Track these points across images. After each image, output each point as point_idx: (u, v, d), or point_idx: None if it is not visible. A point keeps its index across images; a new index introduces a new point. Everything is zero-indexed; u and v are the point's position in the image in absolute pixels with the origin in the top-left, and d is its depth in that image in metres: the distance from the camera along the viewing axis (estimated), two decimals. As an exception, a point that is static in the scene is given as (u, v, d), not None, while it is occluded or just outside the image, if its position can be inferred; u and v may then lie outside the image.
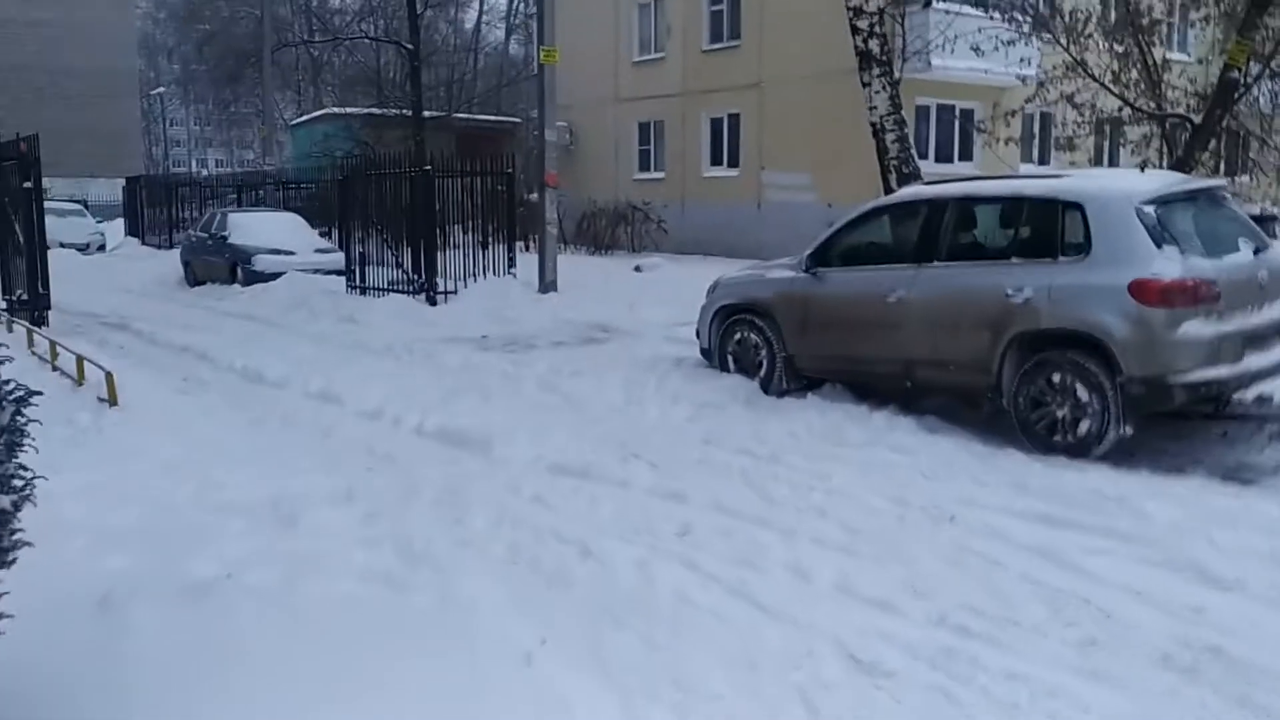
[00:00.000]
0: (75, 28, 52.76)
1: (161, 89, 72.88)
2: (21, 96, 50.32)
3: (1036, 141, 21.24)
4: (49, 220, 28.11)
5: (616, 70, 26.47)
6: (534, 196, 25.59)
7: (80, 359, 7.35)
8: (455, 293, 14.33)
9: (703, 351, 8.73)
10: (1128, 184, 6.57)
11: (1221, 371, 6.04)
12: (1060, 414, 6.33)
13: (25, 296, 10.98)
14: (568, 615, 3.86)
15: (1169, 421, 6.71)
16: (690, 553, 4.62)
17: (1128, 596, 4.13)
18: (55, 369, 8.17)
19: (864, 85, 11.81)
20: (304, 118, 39.13)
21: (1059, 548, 4.66)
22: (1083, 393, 6.21)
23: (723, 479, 5.81)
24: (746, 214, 22.57)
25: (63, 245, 27.08)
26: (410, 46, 30.50)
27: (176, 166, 76.80)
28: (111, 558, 4.06)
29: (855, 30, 11.74)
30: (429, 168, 14.27)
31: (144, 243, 29.46)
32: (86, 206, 43.47)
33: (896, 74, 12.31)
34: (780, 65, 21.93)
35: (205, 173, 52.91)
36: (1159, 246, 6.08)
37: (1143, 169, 7.42)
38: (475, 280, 14.76)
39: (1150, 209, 6.23)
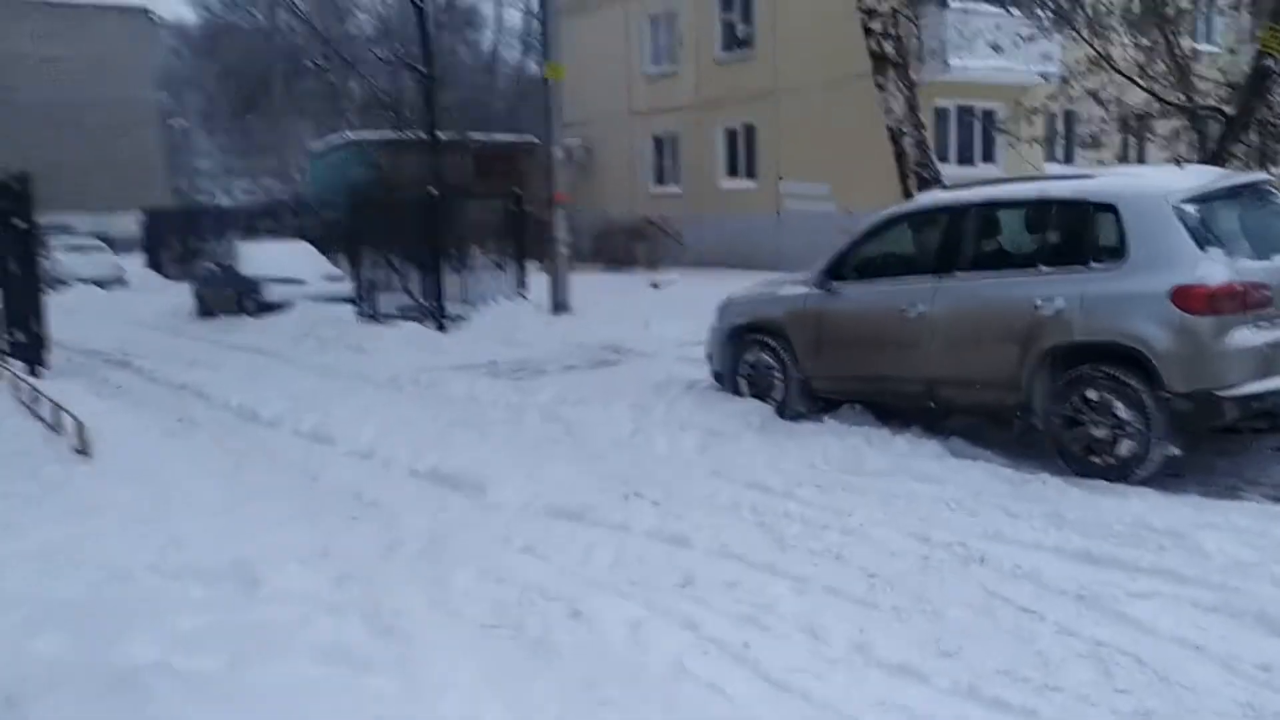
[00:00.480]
0: (93, 62, 53.27)
1: (181, 120, 73.45)
2: (42, 132, 50.82)
3: (1061, 141, 20.65)
4: (70, 257, 28.73)
5: (629, 83, 26.13)
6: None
7: (56, 406, 7.00)
8: (466, 317, 13.96)
9: (714, 375, 8.28)
10: (1165, 181, 6.06)
11: (1277, 383, 5.52)
12: (1098, 434, 5.83)
13: (23, 338, 10.69)
14: (546, 695, 3.41)
15: (1216, 436, 6.18)
16: (691, 609, 4.17)
17: (1185, 652, 3.63)
18: (37, 417, 7.83)
19: (879, 89, 11.37)
20: (323, 145, 39.13)
21: (1102, 591, 4.17)
22: (1122, 410, 5.71)
23: (731, 518, 5.35)
24: (765, 225, 22.11)
25: (83, 281, 27.14)
26: (423, 70, 30.33)
27: (204, 197, 77.38)
28: (43, 638, 3.66)
29: (868, 32, 11.30)
30: (434, 191, 13.91)
31: (163, 274, 29.43)
32: (110, 241, 43.78)
33: (913, 76, 11.84)
34: (795, 73, 21.50)
35: (229, 202, 53.06)
36: (1202, 248, 5.58)
37: (1179, 164, 6.90)
38: (487, 304, 14.39)
39: (1191, 208, 5.73)
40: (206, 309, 18.20)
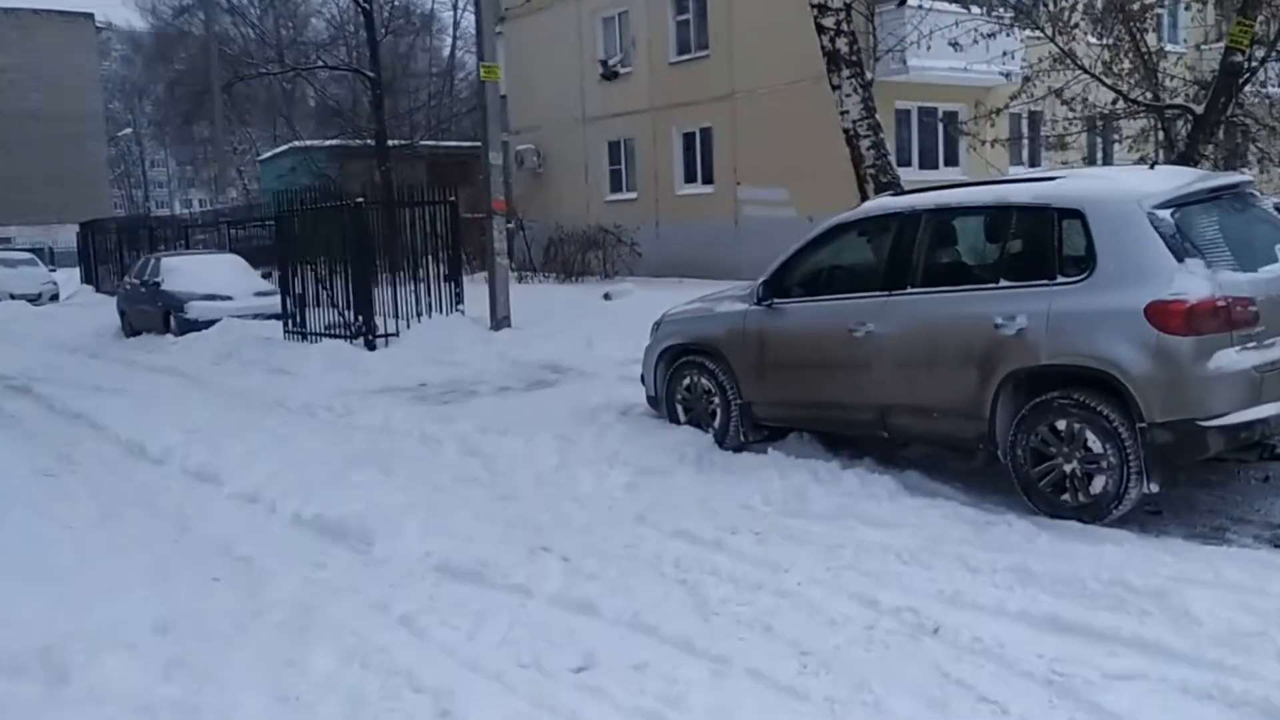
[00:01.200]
0: (37, 72, 51.90)
1: (129, 130, 71.94)
2: (-18, 142, 49.39)
3: (1026, 142, 20.18)
4: (-1, 271, 27.51)
5: (583, 88, 25.40)
6: (510, 224, 24.62)
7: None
8: (397, 334, 13.14)
9: (649, 400, 7.57)
10: (1136, 184, 5.41)
11: (1267, 410, 4.87)
12: (1068, 469, 5.16)
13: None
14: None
15: (1198, 466, 5.54)
16: (584, 703, 3.44)
17: (1180, 762, 2.95)
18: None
19: (834, 88, 10.75)
20: (270, 153, 38.16)
21: (1075, 672, 3.49)
22: (1095, 442, 5.05)
23: (650, 576, 4.62)
24: (723, 232, 21.44)
25: (13, 296, 25.96)
26: (371, 74, 29.50)
27: (159, 208, 75.74)
28: None
29: (821, 29, 10.69)
30: (361, 199, 13.10)
31: (98, 290, 28.31)
32: (52, 254, 42.44)
33: (869, 75, 11.24)
34: (752, 75, 20.88)
35: (183, 213, 51.71)
36: (1180, 259, 4.93)
37: (1152, 166, 6.28)
38: (420, 319, 13.58)
39: (1166, 213, 5.08)
40: (131, 328, 17.29)
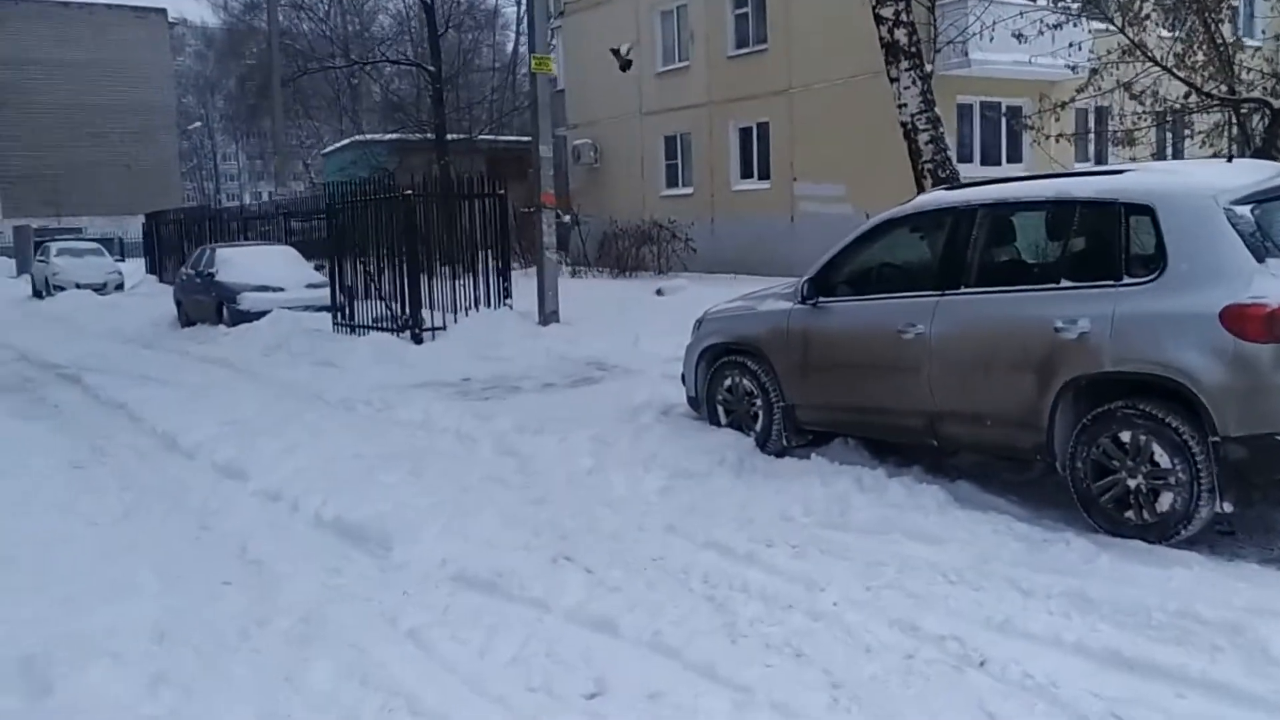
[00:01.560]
0: (110, 67, 52.95)
1: (198, 124, 73.30)
2: (59, 135, 50.63)
3: (1092, 138, 19.48)
4: (66, 260, 28.07)
5: (640, 82, 25.14)
6: (566, 218, 24.50)
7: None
8: (444, 328, 13.01)
9: (690, 400, 7.28)
10: (1212, 178, 5.00)
11: (1354, 427, 4.45)
12: (1133, 484, 4.78)
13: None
14: None
15: (1276, 486, 5.11)
16: (594, 735, 3.19)
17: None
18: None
19: (891, 81, 10.41)
20: (333, 146, 38.53)
21: (1136, 714, 3.17)
22: (1162, 457, 4.66)
23: (677, 592, 4.35)
24: (779, 228, 21.06)
25: (79, 286, 26.45)
26: (431, 69, 29.58)
27: (229, 200, 77.12)
28: None
29: (879, 20, 10.35)
30: (410, 192, 12.97)
31: (161, 280, 28.71)
32: (122, 245, 43.28)
33: (929, 67, 10.83)
34: (810, 68, 20.48)
35: (248, 205, 52.60)
36: (1260, 260, 4.53)
37: (1229, 159, 5.84)
38: (468, 313, 13.43)
39: (1245, 210, 4.68)
40: (187, 318, 17.42)
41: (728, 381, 6.86)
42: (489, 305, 13.59)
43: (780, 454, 6.47)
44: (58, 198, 50.21)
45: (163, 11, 58.07)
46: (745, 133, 22.88)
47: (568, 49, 28.44)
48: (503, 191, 13.58)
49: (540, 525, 5.27)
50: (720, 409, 6.94)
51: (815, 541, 4.89)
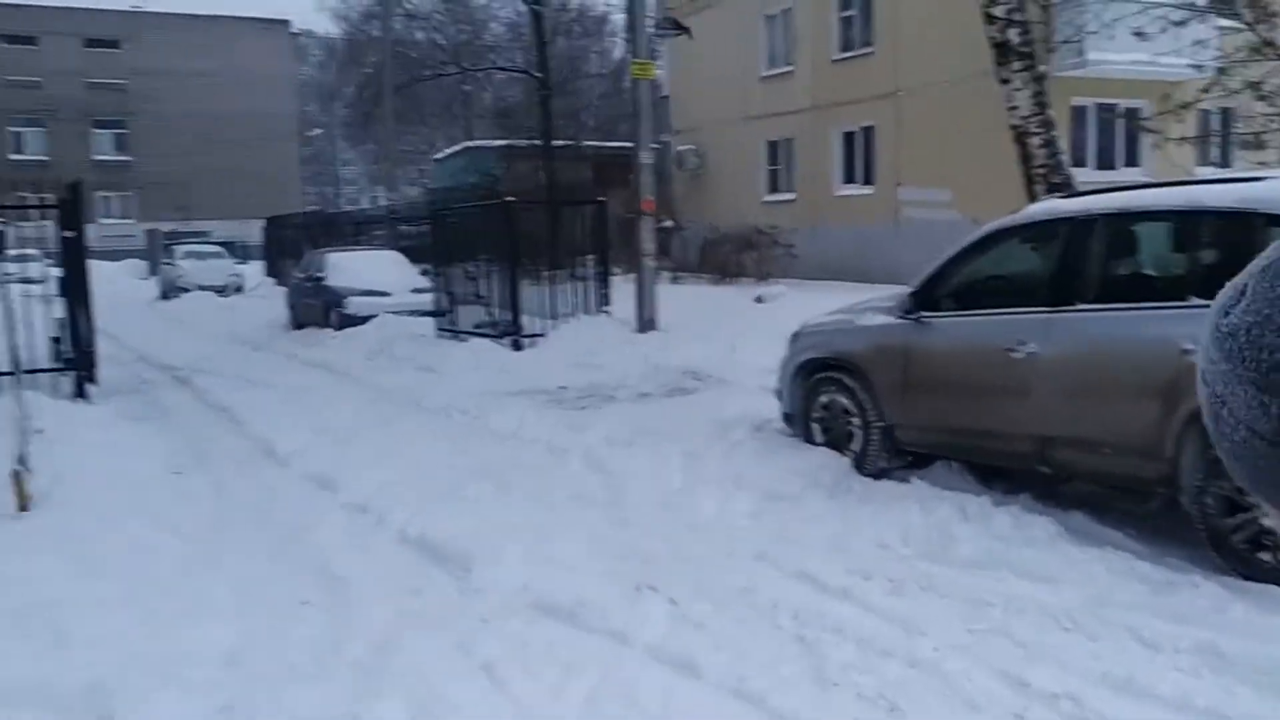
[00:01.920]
0: (236, 76, 54.98)
1: (318, 131, 75.61)
2: (188, 143, 52.83)
3: (1217, 141, 18.45)
4: (190, 263, 29.15)
5: (744, 87, 24.85)
6: (668, 224, 24.35)
7: (23, 444, 6.20)
8: (544, 335, 12.99)
9: (784, 417, 7.01)
10: (1365, 187, 4.54)
11: None
12: (1268, 523, 4.35)
13: (71, 356, 10.18)
14: None
15: None
16: (667, 790, 2.98)
17: None
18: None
19: (1002, 82, 9.99)
20: (445, 152, 39.23)
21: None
22: (1304, 495, 4.22)
23: (765, 629, 4.11)
24: (883, 234, 20.52)
25: (202, 288, 27.44)
26: (539, 75, 29.83)
27: (348, 204, 79.44)
28: None
29: (990, 19, 9.94)
30: (510, 198, 12.98)
31: (279, 283, 29.56)
32: (245, 248, 44.84)
33: (1042, 68, 10.33)
34: (917, 71, 19.88)
35: (365, 208, 53.85)
36: None
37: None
38: (567, 320, 13.39)
39: (1403, 223, 4.22)
40: (298, 321, 17.81)
41: (824, 398, 6.58)
42: (588, 312, 13.51)
43: (878, 476, 6.16)
44: (187, 202, 52.35)
45: (286, 23, 60.06)
46: (849, 137, 22.38)
47: (673, 55, 28.31)
48: (603, 197, 13.48)
49: (624, 549, 5.10)
50: (816, 427, 6.66)
51: (914, 576, 4.59)
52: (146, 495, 6.34)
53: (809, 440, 6.66)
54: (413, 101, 38.63)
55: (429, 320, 14.74)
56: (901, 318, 6.02)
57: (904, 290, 6.12)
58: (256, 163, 54.92)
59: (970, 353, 5.64)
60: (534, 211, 13.40)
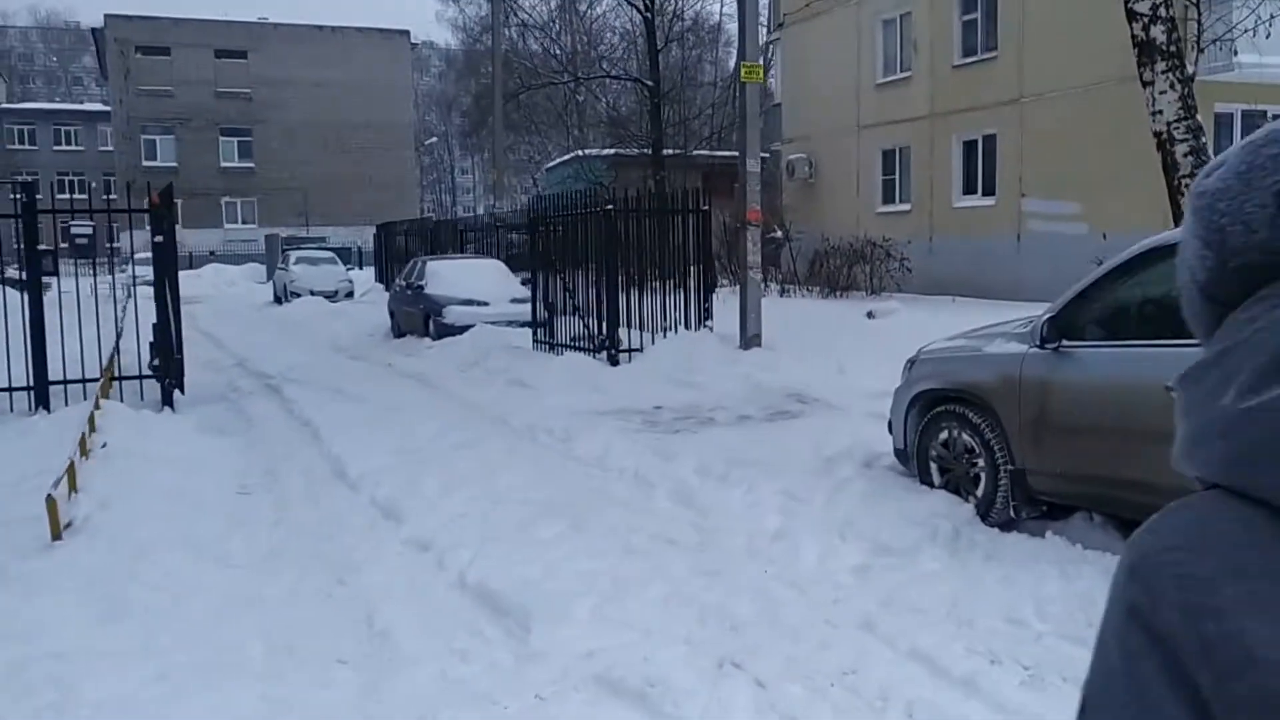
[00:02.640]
0: (357, 85, 56.21)
1: (434, 139, 76.99)
2: (309, 150, 54.24)
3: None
4: (303, 268, 29.57)
5: (859, 94, 23.92)
6: (777, 235, 23.59)
7: (72, 465, 5.87)
8: (641, 349, 12.42)
9: (897, 452, 6.27)
10: None
11: None
12: None
13: (157, 363, 10.02)
14: None
15: None
16: None
17: None
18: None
19: (1144, 85, 9.04)
20: (555, 161, 39.19)
21: None
22: None
23: (869, 725, 3.41)
24: (1003, 249, 19.39)
25: (313, 293, 27.77)
26: (650, 83, 29.43)
27: (465, 212, 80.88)
28: None
29: (1133, 16, 9.00)
30: (610, 207, 12.45)
31: (388, 289, 29.75)
32: (360, 254, 45.63)
33: (1189, 69, 9.34)
34: (1044, 76, 18.72)
35: (470, 216, 54.38)
36: None
37: None
38: (667, 334, 12.79)
39: None
40: (399, 329, 17.68)
41: (944, 435, 5.81)
42: (689, 326, 12.89)
43: (1006, 527, 5.38)
44: (306, 208, 53.70)
45: (406, 33, 61.23)
46: (969, 146, 21.26)
47: (786, 61, 27.58)
48: (706, 207, 12.84)
49: (708, 609, 4.44)
50: (933, 467, 5.90)
51: (1055, 662, 3.83)
52: (199, 520, 5.96)
53: (925, 481, 5.91)
54: (526, 111, 38.66)
55: (526, 331, 14.37)
56: (1037, 346, 5.23)
57: (1039, 315, 5.32)
58: (375, 170, 56.05)
59: (1121, 390, 4.82)
60: (636, 220, 12.81)
